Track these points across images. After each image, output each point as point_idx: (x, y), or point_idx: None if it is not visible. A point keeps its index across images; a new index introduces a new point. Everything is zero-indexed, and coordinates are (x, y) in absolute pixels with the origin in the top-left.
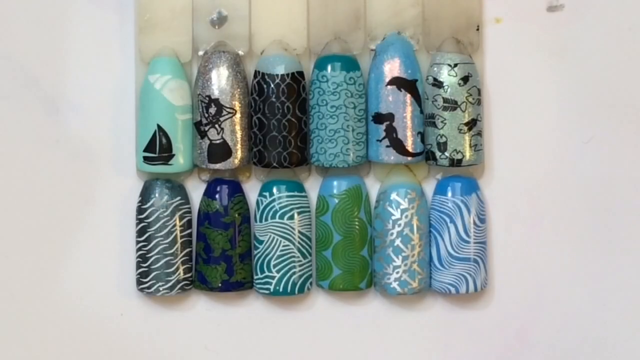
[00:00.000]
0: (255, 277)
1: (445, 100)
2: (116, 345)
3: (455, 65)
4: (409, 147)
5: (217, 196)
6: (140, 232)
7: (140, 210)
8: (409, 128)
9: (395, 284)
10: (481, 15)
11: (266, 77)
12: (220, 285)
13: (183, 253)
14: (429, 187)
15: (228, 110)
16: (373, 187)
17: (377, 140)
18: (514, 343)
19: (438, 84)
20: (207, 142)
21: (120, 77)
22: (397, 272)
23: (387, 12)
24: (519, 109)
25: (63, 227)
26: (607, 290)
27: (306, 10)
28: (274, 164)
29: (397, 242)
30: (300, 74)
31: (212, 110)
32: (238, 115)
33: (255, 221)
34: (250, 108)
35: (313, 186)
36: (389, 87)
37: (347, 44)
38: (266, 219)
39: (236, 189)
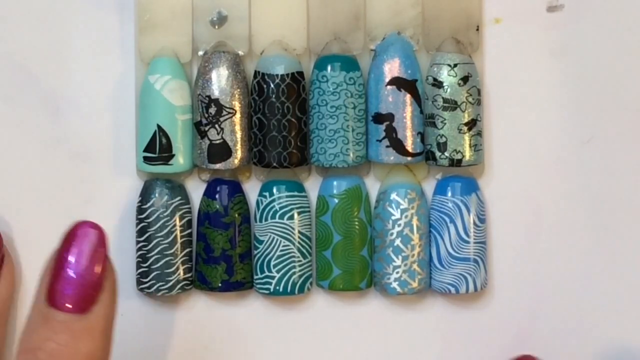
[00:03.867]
0: (255, 277)
1: (445, 100)
2: (116, 345)
3: (455, 65)
4: (409, 147)
5: (217, 196)
6: (140, 232)
7: (140, 210)
8: (409, 128)
9: (395, 284)
10: (481, 15)
11: (266, 77)
12: (220, 285)
13: (183, 253)
14: (429, 187)
15: (228, 110)
16: (373, 187)
17: (377, 140)
18: (514, 343)
19: (438, 84)
20: (207, 142)
21: (120, 77)
22: (397, 272)
23: (387, 12)
24: (519, 109)
25: (63, 227)
26: (607, 290)
27: (306, 11)
28: (274, 164)
29: (397, 242)
30: (300, 74)
31: (212, 110)
32: (238, 115)
33: (255, 221)
34: (250, 108)
35: (313, 186)
36: (388, 87)
37: (347, 44)
38: (266, 219)
39: (236, 189)
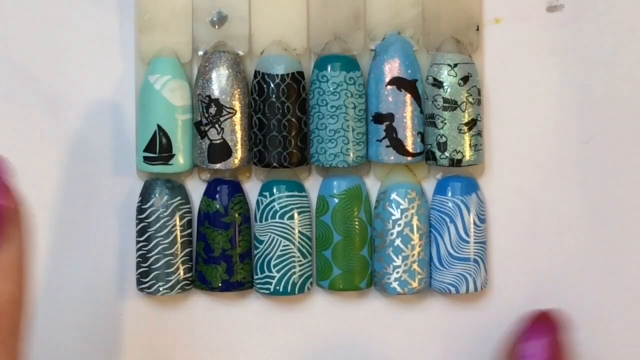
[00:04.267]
0: (255, 277)
1: (445, 100)
2: (116, 345)
3: (455, 65)
4: (409, 147)
5: (217, 196)
6: (140, 232)
7: (140, 210)
8: (409, 128)
9: (395, 284)
10: (481, 15)
11: (266, 77)
12: (220, 285)
13: (183, 253)
14: (429, 187)
15: (228, 110)
16: (373, 187)
17: (377, 140)
18: None
19: (438, 84)
20: (207, 142)
21: (120, 77)
22: (397, 272)
23: (387, 12)
24: (519, 109)
25: (63, 227)
26: (607, 289)
27: (306, 10)
28: (274, 164)
29: (397, 242)
30: (300, 74)
31: (212, 110)
32: (238, 115)
33: (255, 221)
34: (250, 108)
35: (313, 186)
36: (389, 87)
37: (347, 44)
38: (266, 219)
39: (236, 189)
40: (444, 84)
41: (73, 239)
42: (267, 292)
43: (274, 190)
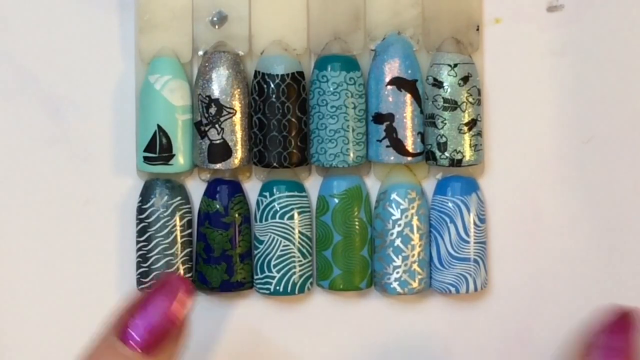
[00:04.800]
0: (255, 277)
1: (445, 100)
2: None
3: (455, 65)
4: (409, 147)
5: (217, 196)
6: (141, 232)
7: (140, 210)
8: (409, 128)
9: (395, 284)
10: (481, 15)
11: (266, 77)
12: (220, 285)
13: (183, 253)
14: (429, 187)
15: (228, 110)
16: (373, 187)
17: (377, 140)
18: (514, 343)
19: (438, 84)
20: (207, 142)
21: (120, 77)
22: (397, 272)
23: (387, 12)
24: (519, 109)
25: (63, 227)
26: (607, 290)
27: (306, 11)
28: (274, 164)
29: (397, 242)
30: (300, 74)
31: (212, 110)
32: (238, 115)
33: (256, 221)
34: (250, 108)
35: (313, 186)
36: (389, 87)
37: (347, 44)
38: (266, 219)
39: (236, 189)
40: (444, 84)
41: (73, 239)
42: (267, 292)
43: (274, 190)
